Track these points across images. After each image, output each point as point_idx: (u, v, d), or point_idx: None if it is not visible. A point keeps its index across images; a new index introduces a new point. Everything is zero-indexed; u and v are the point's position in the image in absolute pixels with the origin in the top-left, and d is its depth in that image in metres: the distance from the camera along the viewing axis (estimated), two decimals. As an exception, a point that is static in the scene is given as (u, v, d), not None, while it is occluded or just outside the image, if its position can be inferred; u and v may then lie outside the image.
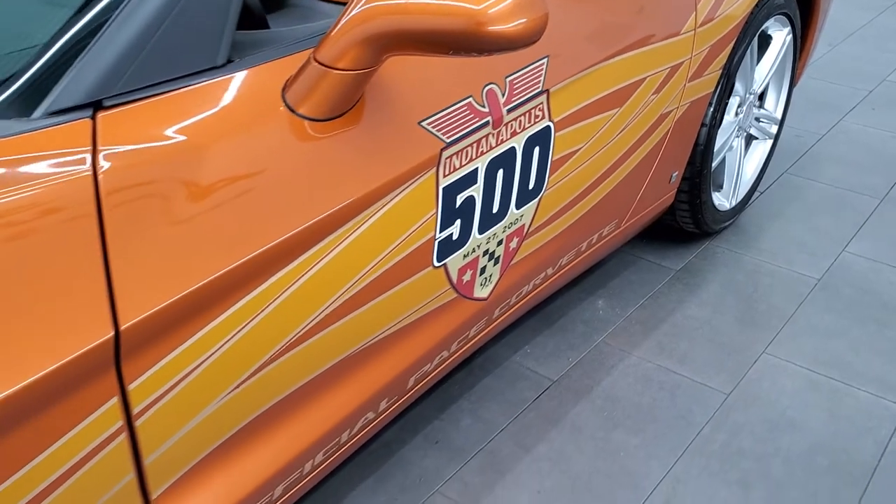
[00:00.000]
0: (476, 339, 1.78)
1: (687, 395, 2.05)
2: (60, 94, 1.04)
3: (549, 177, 1.69)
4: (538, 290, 1.93)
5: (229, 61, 1.18)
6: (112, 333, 1.00)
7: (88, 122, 1.04)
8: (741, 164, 2.66)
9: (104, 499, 1.10)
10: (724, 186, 2.63)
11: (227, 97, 1.16)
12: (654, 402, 2.04)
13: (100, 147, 1.03)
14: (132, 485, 1.14)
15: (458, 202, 1.47)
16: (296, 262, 1.20)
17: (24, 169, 0.98)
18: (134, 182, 1.03)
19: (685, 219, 2.50)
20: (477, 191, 1.50)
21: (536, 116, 1.59)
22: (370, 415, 1.53)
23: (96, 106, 1.06)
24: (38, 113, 1.03)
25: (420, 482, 1.81)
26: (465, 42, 1.10)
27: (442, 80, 1.40)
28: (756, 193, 2.91)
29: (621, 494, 1.78)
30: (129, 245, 1.01)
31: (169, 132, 1.09)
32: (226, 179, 1.11)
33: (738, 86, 2.45)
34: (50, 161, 0.99)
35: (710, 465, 1.86)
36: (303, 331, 1.27)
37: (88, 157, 1.01)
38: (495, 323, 1.83)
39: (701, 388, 2.08)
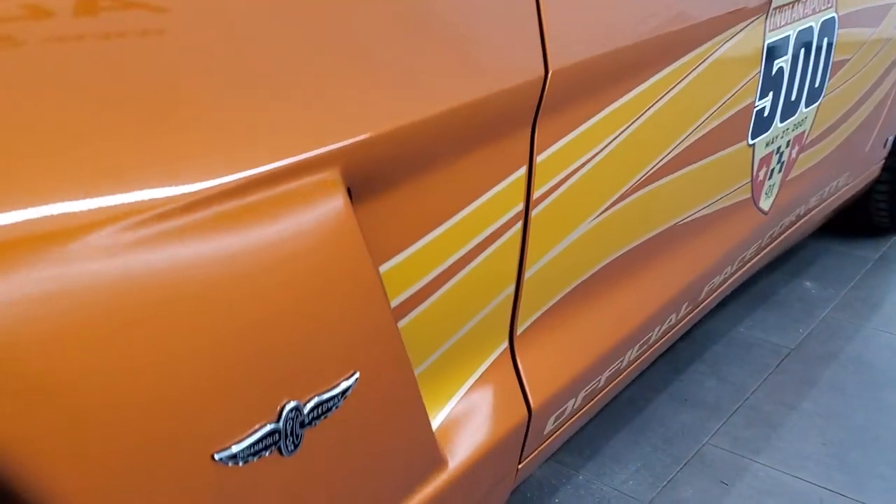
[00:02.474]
0: (747, 266, 1.59)
1: (945, 362, 1.83)
2: None
3: (828, 80, 1.54)
4: (786, 233, 1.75)
5: None
6: (542, 73, 0.83)
7: None
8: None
9: (481, 315, 0.91)
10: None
11: None
12: (913, 366, 1.81)
13: None
14: (507, 304, 0.94)
15: (774, 69, 1.32)
16: (665, 72, 1.05)
17: None
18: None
19: (880, 204, 2.33)
20: (786, 63, 1.35)
21: (828, 2, 1.46)
22: (673, 317, 1.33)
23: None
24: None
25: (683, 435, 1.57)
26: None
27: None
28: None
29: (920, 447, 1.54)
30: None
31: None
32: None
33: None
34: None
35: None
36: (656, 165, 1.09)
37: None
38: (759, 255, 1.63)
39: (957, 355, 1.85)
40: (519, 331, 0.98)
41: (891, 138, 2.13)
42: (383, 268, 0.75)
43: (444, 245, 0.81)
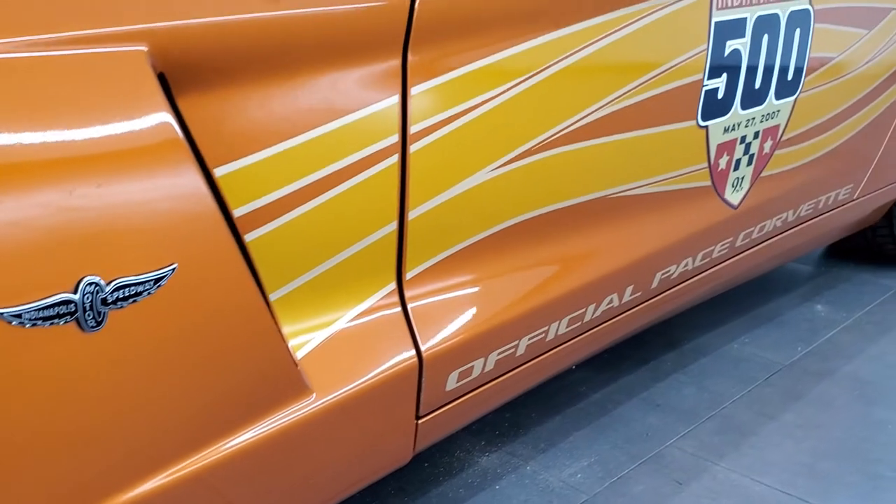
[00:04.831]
0: (716, 268, 1.54)
1: (952, 385, 1.72)
2: None
3: (805, 75, 1.50)
4: (775, 237, 1.68)
5: None
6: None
7: None
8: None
9: (358, 246, 0.91)
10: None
11: None
12: (914, 386, 1.71)
13: None
14: (390, 242, 0.94)
15: (727, 50, 1.29)
16: (580, 27, 1.05)
17: None
18: None
19: (905, 231, 2.23)
20: (744, 47, 1.33)
21: (799, -8, 1.43)
22: (615, 299, 1.29)
23: None
24: None
25: (648, 436, 1.51)
26: None
27: None
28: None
29: (903, 461, 1.45)
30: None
31: None
32: None
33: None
34: None
35: None
36: (571, 125, 1.08)
37: None
38: (734, 258, 1.58)
39: (967, 379, 1.74)
40: (409, 274, 0.98)
41: (907, 156, 2.04)
42: (228, 169, 0.77)
43: (304, 158, 0.82)
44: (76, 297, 0.65)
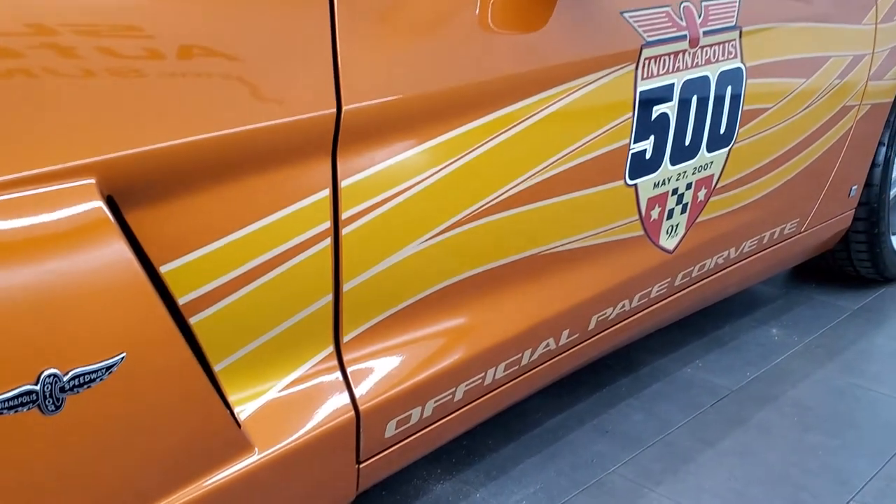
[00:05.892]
0: (657, 306, 1.65)
1: (889, 409, 1.83)
2: None
3: (739, 127, 1.61)
4: (719, 273, 1.80)
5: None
6: (335, 109, 0.97)
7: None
8: (918, 208, 2.50)
9: (297, 318, 1.03)
10: (901, 229, 2.47)
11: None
12: (851, 411, 1.82)
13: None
14: (327, 312, 1.06)
15: (654, 114, 1.41)
16: (505, 111, 1.16)
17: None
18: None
19: (861, 255, 2.33)
20: (672, 109, 1.44)
21: (730, 53, 1.54)
22: (551, 343, 1.41)
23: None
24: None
25: (593, 463, 1.63)
26: None
27: (641, -15, 1.39)
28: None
29: (826, 486, 1.56)
30: (358, 31, 1.00)
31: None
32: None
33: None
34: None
35: (927, 470, 1.62)
36: (500, 196, 1.20)
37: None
38: (676, 295, 1.70)
39: (903, 404, 1.85)
40: (346, 338, 1.10)
41: (855, 188, 2.15)
42: (173, 265, 0.89)
43: (242, 250, 0.94)
44: (37, 387, 0.78)
